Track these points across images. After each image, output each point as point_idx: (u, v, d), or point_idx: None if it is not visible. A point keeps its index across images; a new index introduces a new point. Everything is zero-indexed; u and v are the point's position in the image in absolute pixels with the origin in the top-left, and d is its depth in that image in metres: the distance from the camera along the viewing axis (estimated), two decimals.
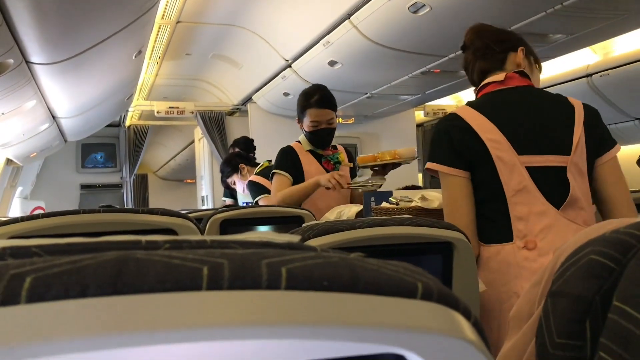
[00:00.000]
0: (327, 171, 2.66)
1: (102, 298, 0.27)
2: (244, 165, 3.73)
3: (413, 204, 2.24)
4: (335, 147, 2.75)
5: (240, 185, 3.86)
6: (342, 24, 3.75)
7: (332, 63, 4.42)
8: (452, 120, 1.54)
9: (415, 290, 0.32)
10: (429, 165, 1.57)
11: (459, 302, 0.34)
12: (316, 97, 2.59)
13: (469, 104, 1.59)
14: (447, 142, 1.52)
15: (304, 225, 1.34)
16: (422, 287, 0.33)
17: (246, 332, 0.27)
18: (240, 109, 6.91)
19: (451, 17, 3.28)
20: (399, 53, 3.98)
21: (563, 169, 1.47)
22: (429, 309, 0.32)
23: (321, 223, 1.34)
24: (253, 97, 6.28)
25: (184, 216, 1.35)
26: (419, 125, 8.21)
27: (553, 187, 1.45)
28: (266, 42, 4.83)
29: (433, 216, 2.11)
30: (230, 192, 4.15)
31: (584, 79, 5.46)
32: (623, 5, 3.11)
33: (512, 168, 1.46)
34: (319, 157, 2.70)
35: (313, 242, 1.25)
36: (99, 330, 0.25)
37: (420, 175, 8.40)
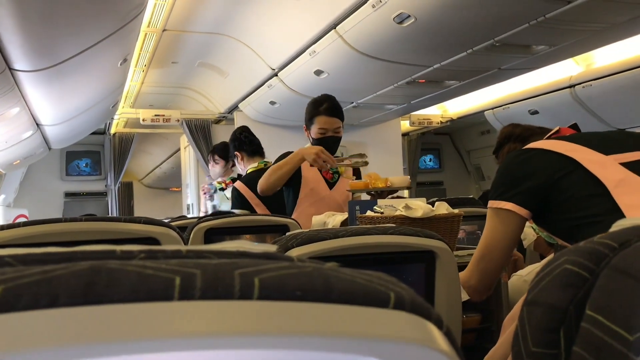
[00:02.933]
0: (326, 180, 2.68)
1: (73, 308, 0.27)
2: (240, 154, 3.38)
3: (397, 213, 2.25)
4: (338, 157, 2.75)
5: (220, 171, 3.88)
6: (328, 33, 3.77)
7: (318, 72, 4.43)
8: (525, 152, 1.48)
9: (388, 300, 0.33)
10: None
11: (432, 312, 0.34)
12: (325, 105, 2.63)
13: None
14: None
15: (287, 234, 1.34)
16: (395, 297, 0.33)
17: (217, 342, 0.27)
18: (227, 117, 6.90)
19: (436, 29, 3.31)
20: (385, 63, 4.01)
21: None
22: (401, 319, 0.33)
23: (304, 232, 1.34)
24: (239, 106, 6.28)
25: (167, 225, 1.35)
26: (404, 135, 8.25)
27: None
28: (252, 50, 4.84)
29: (417, 225, 2.12)
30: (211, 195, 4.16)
31: (567, 89, 5.53)
32: (603, 17, 3.16)
33: (604, 164, 1.34)
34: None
35: (296, 251, 1.25)
36: (68, 340, 0.25)
37: None
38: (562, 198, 1.36)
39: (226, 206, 3.86)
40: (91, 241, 1.30)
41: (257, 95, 5.59)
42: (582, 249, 0.51)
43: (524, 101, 6.11)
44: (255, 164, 3.23)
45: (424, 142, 8.98)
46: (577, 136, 1.47)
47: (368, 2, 3.19)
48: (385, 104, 5.59)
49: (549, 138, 1.54)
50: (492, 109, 6.64)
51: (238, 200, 3.04)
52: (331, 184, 2.71)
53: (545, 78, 5.63)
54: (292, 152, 2.66)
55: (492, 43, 3.51)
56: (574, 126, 1.61)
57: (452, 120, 7.58)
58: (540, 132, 1.65)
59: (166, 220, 2.07)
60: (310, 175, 2.66)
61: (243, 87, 5.71)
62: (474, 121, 7.72)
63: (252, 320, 0.28)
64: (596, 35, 3.51)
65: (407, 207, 2.21)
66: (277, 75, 4.93)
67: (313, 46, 4.04)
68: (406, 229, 1.35)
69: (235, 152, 3.33)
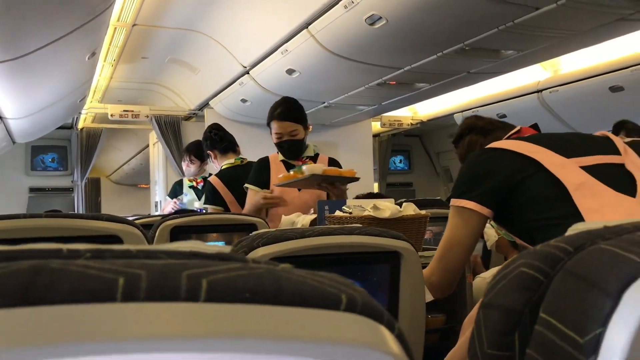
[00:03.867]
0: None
1: (10, 309, 0.26)
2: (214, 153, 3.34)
3: (366, 213, 2.26)
4: (312, 157, 2.76)
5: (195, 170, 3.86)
6: (300, 32, 3.76)
7: (290, 71, 4.42)
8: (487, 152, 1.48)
9: (339, 302, 0.33)
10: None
11: (383, 314, 0.34)
12: (279, 110, 2.63)
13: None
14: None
15: (253, 233, 1.33)
16: (346, 299, 0.33)
17: (160, 345, 0.26)
18: (197, 114, 6.83)
19: (407, 31, 3.33)
20: (356, 64, 4.02)
21: (621, 165, 1.36)
22: (352, 321, 0.32)
23: (271, 231, 1.33)
24: (210, 103, 6.23)
25: (130, 222, 1.32)
26: (375, 136, 8.30)
27: (617, 180, 1.31)
28: (224, 47, 4.81)
29: (384, 225, 2.14)
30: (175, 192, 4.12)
31: (535, 94, 5.63)
32: (569, 25, 3.23)
33: (565, 167, 1.35)
34: (289, 167, 2.73)
35: (261, 251, 1.24)
36: (3, 343, 0.24)
37: (376, 185, 8.48)
38: (524, 199, 1.37)
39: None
40: (52, 238, 1.27)
41: (228, 92, 5.55)
42: (538, 252, 0.52)
43: (492, 105, 6.21)
44: (231, 160, 3.20)
45: (395, 144, 9.05)
46: (539, 137, 1.47)
47: (340, 3, 3.19)
48: (356, 105, 5.61)
49: (509, 137, 1.55)
50: (461, 112, 6.73)
51: (212, 195, 3.01)
52: None
53: (514, 83, 5.72)
54: (261, 161, 2.76)
55: (462, 47, 3.56)
56: (535, 126, 1.63)
57: (422, 123, 7.66)
58: (502, 127, 1.65)
59: (132, 218, 2.03)
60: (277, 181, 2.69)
61: (214, 84, 5.67)
62: (443, 124, 7.81)
63: (198, 323, 0.28)
64: (563, 41, 3.58)
65: (375, 207, 2.22)
66: (248, 73, 4.90)
67: (285, 45, 4.03)
68: (372, 229, 1.36)
69: (208, 151, 3.30)
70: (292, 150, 2.69)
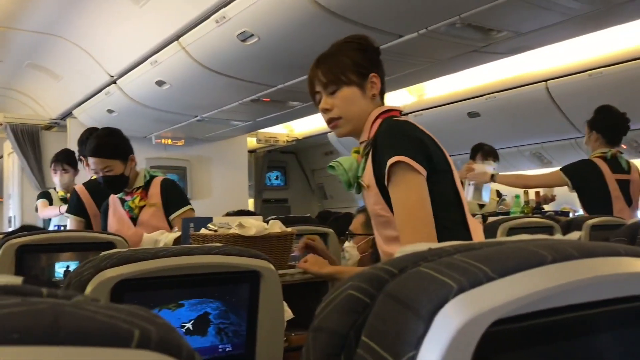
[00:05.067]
0: (131, 218, 2.60)
1: None
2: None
3: (232, 231, 2.23)
4: (144, 186, 2.61)
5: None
6: (171, 44, 3.66)
7: (160, 83, 4.28)
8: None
9: (130, 339, 0.30)
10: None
11: (182, 349, 0.32)
12: (91, 144, 2.52)
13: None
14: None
15: (103, 253, 1.26)
16: (139, 335, 0.31)
17: None
18: (59, 124, 6.39)
19: (278, 50, 3.37)
20: (229, 79, 3.99)
21: None
22: (143, 359, 0.30)
23: (122, 251, 1.26)
24: (74, 112, 5.86)
25: None
26: (251, 152, 8.28)
27: None
28: (90, 55, 4.55)
29: (250, 243, 2.11)
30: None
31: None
32: (431, 53, 3.45)
33: (457, 178, 1.50)
34: (123, 202, 2.64)
35: (109, 273, 1.17)
36: None
37: (251, 201, 8.45)
38: (436, 190, 1.42)
39: None
40: None
41: (94, 102, 5.26)
42: (366, 275, 0.53)
43: None
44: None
45: (271, 160, 9.08)
46: None
47: (212, 17, 3.15)
48: (230, 120, 5.56)
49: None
50: None
51: (74, 204, 2.82)
52: (134, 220, 2.61)
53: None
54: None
55: None
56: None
57: (297, 140, 7.77)
58: None
59: None
60: (113, 221, 2.60)
61: (78, 92, 5.34)
62: (318, 142, 7.98)
63: None
64: (426, 69, 3.81)
65: (240, 225, 2.19)
66: (115, 83, 4.68)
67: (155, 56, 3.90)
68: (231, 248, 1.33)
69: (81, 157, 3.10)
70: (111, 187, 2.57)
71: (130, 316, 0.32)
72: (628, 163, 3.25)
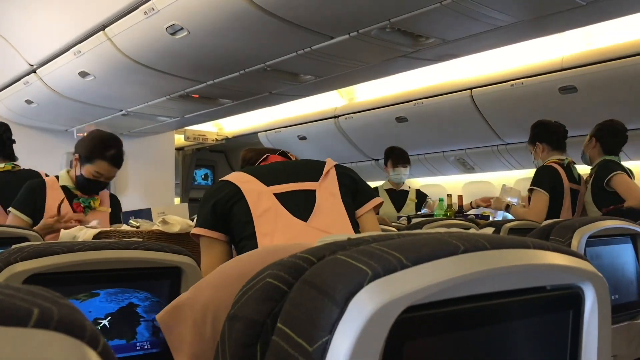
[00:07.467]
0: (75, 212, 2.51)
1: None
2: None
3: (154, 228, 2.17)
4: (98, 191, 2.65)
5: None
6: (96, 34, 3.52)
7: (83, 74, 4.11)
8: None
9: (28, 318, 0.29)
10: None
11: (85, 330, 0.31)
12: (112, 152, 2.51)
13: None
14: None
15: (14, 246, 1.20)
16: (39, 314, 0.29)
17: None
18: None
19: (209, 45, 3.32)
20: (157, 73, 3.88)
21: (312, 191, 1.62)
22: (42, 339, 0.29)
23: (35, 244, 1.21)
24: None
25: None
26: (179, 149, 8.11)
27: (299, 206, 1.58)
28: (7, 41, 4.31)
29: (172, 240, 2.07)
30: None
31: (332, 119, 6.00)
32: (361, 56, 3.50)
33: (260, 195, 1.58)
34: (71, 196, 2.52)
35: (20, 267, 1.12)
36: None
37: (177, 199, 8.26)
38: (234, 222, 1.57)
39: None
40: None
41: (11, 91, 4.98)
42: (285, 263, 0.53)
43: (294, 127, 6.46)
44: (2, 165, 2.88)
45: (199, 158, 8.92)
46: (259, 168, 1.73)
47: (140, 8, 3.06)
48: (157, 115, 5.42)
49: (258, 164, 1.82)
50: (265, 131, 6.89)
51: None
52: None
53: (315, 107, 6.04)
54: (34, 187, 2.53)
55: (263, 67, 3.64)
56: (282, 153, 1.87)
57: (227, 139, 7.67)
58: (266, 156, 1.87)
59: None
60: (57, 206, 2.50)
61: None
62: (248, 141, 7.91)
63: None
64: (356, 71, 3.86)
65: (164, 222, 2.14)
66: (35, 72, 4.45)
67: (78, 45, 3.74)
68: (151, 244, 1.30)
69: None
70: (97, 189, 2.61)
71: (30, 295, 0.30)
72: (579, 174, 3.30)
